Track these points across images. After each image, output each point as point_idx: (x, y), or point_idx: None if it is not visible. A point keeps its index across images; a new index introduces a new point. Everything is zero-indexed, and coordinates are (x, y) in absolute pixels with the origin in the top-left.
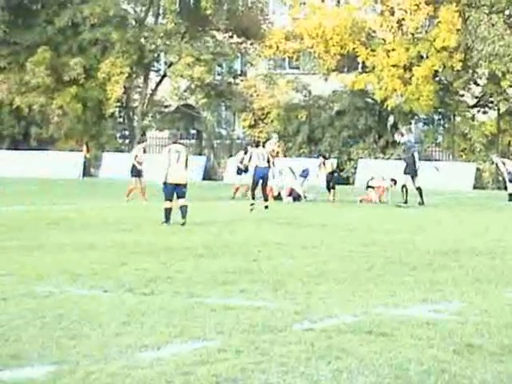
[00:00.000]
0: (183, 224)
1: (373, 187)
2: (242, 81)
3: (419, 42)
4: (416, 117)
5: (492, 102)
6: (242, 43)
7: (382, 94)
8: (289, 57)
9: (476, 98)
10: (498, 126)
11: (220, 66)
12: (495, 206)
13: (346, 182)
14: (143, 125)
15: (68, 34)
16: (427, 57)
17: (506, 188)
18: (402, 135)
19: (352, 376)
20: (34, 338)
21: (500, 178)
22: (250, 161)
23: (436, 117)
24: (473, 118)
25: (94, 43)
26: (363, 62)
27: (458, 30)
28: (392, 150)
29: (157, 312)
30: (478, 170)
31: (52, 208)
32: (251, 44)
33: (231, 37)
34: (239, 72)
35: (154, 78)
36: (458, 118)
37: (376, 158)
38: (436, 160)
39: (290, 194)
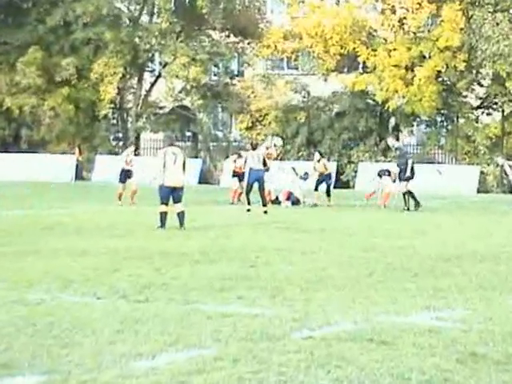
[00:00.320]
0: (184, 229)
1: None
2: (238, 81)
3: (421, 42)
4: (418, 118)
5: (496, 104)
6: (239, 43)
7: (383, 95)
8: (287, 57)
9: (480, 99)
10: (503, 128)
11: (216, 66)
12: (499, 211)
13: (346, 185)
14: (137, 127)
15: (60, 34)
16: (430, 57)
17: (511, 192)
18: (398, 139)
19: None
20: (25, 347)
21: (505, 182)
22: (245, 164)
23: (439, 118)
24: (477, 120)
25: (86, 43)
26: (364, 62)
27: (461, 29)
28: (393, 152)
29: (151, 319)
30: (481, 173)
31: (44, 212)
32: (248, 43)
33: (228, 36)
34: (236, 72)
35: (148, 78)
36: (462, 120)
37: (377, 161)
38: (439, 163)
39: (288, 198)
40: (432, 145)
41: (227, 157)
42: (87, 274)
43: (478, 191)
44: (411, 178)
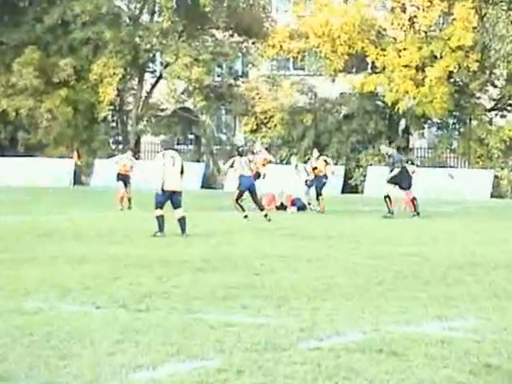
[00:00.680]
0: (186, 236)
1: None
2: (243, 82)
3: (432, 41)
4: (429, 121)
5: (511, 105)
6: (243, 42)
7: (393, 97)
8: (293, 57)
9: (493, 100)
10: None
11: (220, 66)
12: None
13: (355, 190)
14: (138, 129)
15: (58, 33)
16: (441, 57)
17: None
18: (390, 144)
19: None
20: (22, 358)
21: None
22: (231, 168)
23: (451, 121)
24: (490, 122)
25: (85, 43)
26: (373, 63)
27: (474, 27)
28: (404, 156)
29: (152, 329)
30: (495, 177)
31: (42, 218)
32: (253, 43)
33: (232, 36)
34: (240, 73)
35: (149, 79)
36: (475, 122)
37: (386, 164)
38: (451, 167)
39: (293, 204)
40: (444, 148)
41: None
42: (86, 283)
43: (492, 196)
44: (409, 186)
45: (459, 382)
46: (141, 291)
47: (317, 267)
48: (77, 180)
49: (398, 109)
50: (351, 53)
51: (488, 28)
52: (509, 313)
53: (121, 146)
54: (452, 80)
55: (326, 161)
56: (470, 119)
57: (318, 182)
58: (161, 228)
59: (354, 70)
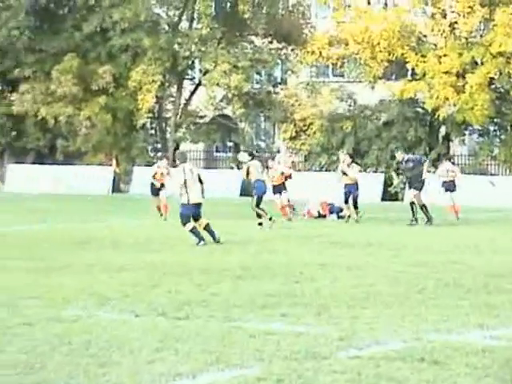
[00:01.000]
0: (218, 242)
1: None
2: (282, 89)
3: (473, 47)
4: (470, 127)
5: None
6: (282, 49)
7: (433, 103)
8: (332, 63)
9: None
10: None
11: (259, 73)
12: None
13: (394, 198)
14: (177, 137)
15: (96, 41)
16: (482, 63)
17: None
18: (430, 150)
19: None
20: (61, 366)
21: None
22: (247, 175)
23: (492, 127)
24: None
25: (124, 50)
26: (413, 69)
27: None
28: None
29: (192, 337)
30: None
31: (80, 226)
32: (292, 50)
33: (271, 42)
34: (279, 80)
35: (188, 86)
36: None
37: (427, 171)
38: (492, 174)
39: (331, 211)
40: (485, 155)
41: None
42: (125, 291)
43: None
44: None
45: None
46: (180, 299)
47: (356, 275)
48: (115, 187)
49: (439, 115)
50: (391, 59)
51: None
52: None
53: (159, 154)
54: (493, 86)
55: (360, 170)
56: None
57: (354, 189)
58: (200, 237)
59: (393, 77)
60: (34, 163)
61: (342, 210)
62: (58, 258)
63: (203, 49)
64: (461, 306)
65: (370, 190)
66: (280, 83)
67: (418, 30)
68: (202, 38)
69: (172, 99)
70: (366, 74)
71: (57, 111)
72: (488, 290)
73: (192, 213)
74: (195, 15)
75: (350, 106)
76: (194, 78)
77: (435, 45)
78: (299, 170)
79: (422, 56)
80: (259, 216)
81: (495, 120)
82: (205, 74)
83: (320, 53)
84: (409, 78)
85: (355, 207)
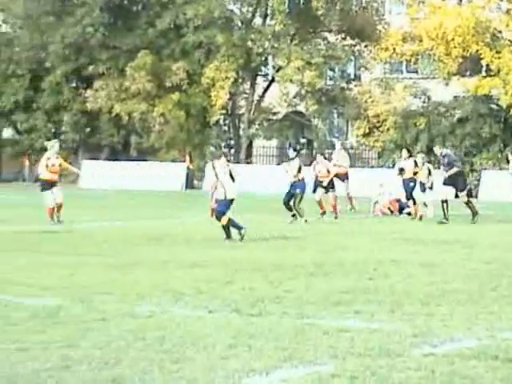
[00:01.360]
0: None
1: None
2: (355, 86)
3: None
4: None
5: None
6: (355, 45)
7: (509, 100)
8: (406, 60)
9: None
10: None
11: (332, 70)
12: None
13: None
14: (250, 133)
15: (170, 37)
16: None
17: None
18: (505, 147)
19: None
20: (135, 361)
21: None
22: (299, 172)
23: None
24: None
25: (197, 46)
26: (487, 65)
27: None
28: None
29: (265, 334)
30: None
31: (154, 223)
32: (365, 46)
33: (344, 38)
34: (353, 76)
35: (261, 83)
36: None
37: (501, 168)
38: None
39: (401, 208)
40: None
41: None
42: (199, 287)
43: None
44: (464, 188)
45: None
46: (253, 296)
47: (430, 272)
48: (189, 184)
49: None
50: (465, 55)
51: None
52: None
53: (233, 150)
54: None
55: (428, 169)
56: None
57: (405, 186)
58: (239, 227)
59: (468, 73)
60: (107, 159)
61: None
62: (132, 254)
63: (276, 45)
64: None
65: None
66: (353, 79)
67: (492, 26)
68: (276, 34)
69: (245, 96)
70: (440, 71)
71: (130, 108)
72: None
73: (228, 208)
74: (269, 11)
75: (423, 102)
76: (267, 74)
77: (510, 41)
78: (351, 167)
79: (497, 52)
80: (302, 214)
81: None
82: (278, 71)
83: (394, 49)
84: (483, 74)
85: (414, 203)
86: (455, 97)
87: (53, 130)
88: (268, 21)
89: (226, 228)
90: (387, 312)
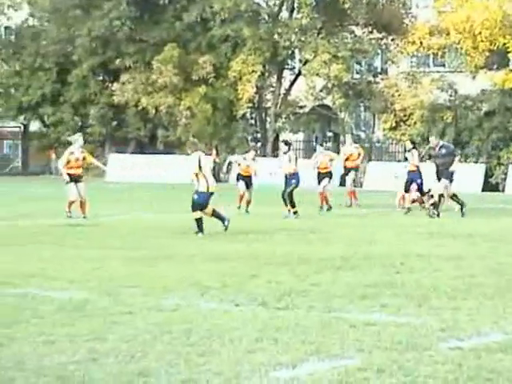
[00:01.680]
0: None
1: None
2: (382, 79)
3: None
4: None
5: None
6: (382, 39)
7: None
8: (433, 53)
9: None
10: None
11: (359, 63)
12: None
13: (496, 188)
14: (276, 127)
15: (197, 31)
16: None
17: None
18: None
19: None
20: (162, 354)
21: None
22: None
23: None
24: None
25: (224, 40)
26: None
27: None
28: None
29: (291, 328)
30: None
31: (180, 216)
32: (392, 40)
33: (371, 32)
34: (379, 70)
35: (288, 76)
36: None
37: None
38: None
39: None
40: None
41: (370, 160)
42: (225, 280)
43: None
44: (447, 178)
45: None
46: (280, 289)
47: (457, 266)
48: (215, 177)
49: None
50: (492, 49)
51: None
52: None
53: (259, 144)
54: None
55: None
56: None
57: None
58: (202, 229)
59: (495, 67)
60: (134, 153)
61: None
62: (157, 248)
63: (303, 39)
64: None
65: (470, 181)
66: (380, 73)
67: None
68: (302, 27)
69: (272, 89)
70: (467, 64)
71: (157, 101)
72: None
73: (207, 201)
74: (295, 5)
75: (450, 96)
76: (293, 67)
77: None
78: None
79: None
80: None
81: None
82: (305, 64)
83: (421, 42)
84: (510, 67)
85: (422, 194)
86: (482, 90)
87: (79, 124)
88: (295, 14)
89: (199, 222)
90: (414, 306)
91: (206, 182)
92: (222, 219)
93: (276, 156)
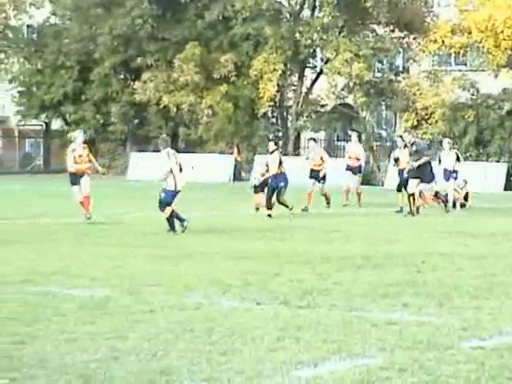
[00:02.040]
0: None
1: None
2: (404, 78)
3: None
4: None
5: None
6: (404, 37)
7: None
8: (455, 52)
9: None
10: None
11: (380, 62)
12: None
13: None
14: (298, 125)
15: (218, 29)
16: None
17: None
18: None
19: None
20: (183, 353)
21: None
22: (280, 165)
23: None
24: None
25: (245, 38)
26: None
27: None
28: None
29: (313, 326)
30: None
31: (201, 214)
32: (414, 38)
33: (392, 31)
34: (401, 69)
35: (309, 75)
36: None
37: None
38: None
39: (444, 200)
40: None
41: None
42: (247, 279)
43: None
44: (431, 180)
45: None
46: (301, 288)
47: (479, 265)
48: (237, 176)
49: None
50: None
51: None
52: None
53: (281, 142)
54: None
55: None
56: None
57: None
58: (173, 227)
59: None
60: (155, 151)
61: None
62: (179, 246)
63: (325, 37)
64: None
65: (492, 180)
66: (402, 72)
67: None
68: (324, 26)
69: (293, 88)
70: (489, 63)
71: (179, 99)
72: None
73: (173, 199)
74: (317, 3)
75: (472, 94)
76: (315, 66)
77: None
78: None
79: None
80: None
81: None
82: (326, 63)
83: (442, 41)
84: None
85: (436, 196)
86: (504, 89)
87: (101, 122)
88: (316, 13)
89: (170, 220)
90: (435, 305)
91: (173, 180)
92: (180, 220)
93: (297, 155)
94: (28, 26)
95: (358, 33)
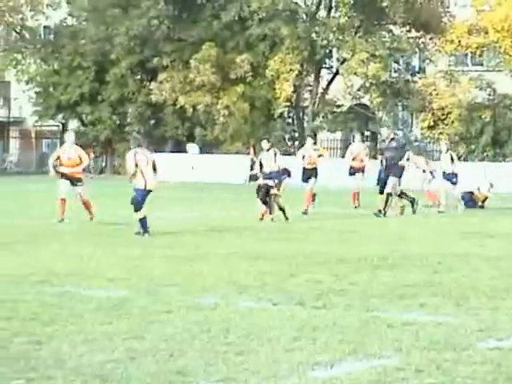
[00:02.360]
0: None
1: None
2: (420, 78)
3: None
4: None
5: None
6: (420, 38)
7: None
8: (471, 52)
9: None
10: None
11: (397, 62)
12: None
13: None
14: (314, 126)
15: (235, 30)
16: None
17: None
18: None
19: None
20: (200, 353)
21: None
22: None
23: None
24: None
25: (262, 39)
26: None
27: None
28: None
29: (329, 327)
30: None
31: (217, 214)
32: (430, 39)
33: (409, 31)
34: (417, 69)
35: (325, 75)
36: None
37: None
38: None
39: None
40: None
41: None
42: (263, 279)
43: None
44: (399, 176)
45: None
46: (318, 288)
47: (496, 266)
48: (253, 176)
49: None
50: None
51: None
52: None
53: (297, 143)
54: None
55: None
56: None
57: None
58: (146, 228)
59: None
60: (172, 152)
61: (475, 202)
62: (195, 246)
63: (341, 37)
64: None
65: (508, 180)
66: (418, 72)
67: None
68: (340, 26)
69: (309, 88)
70: (506, 63)
71: (195, 100)
72: None
73: (144, 198)
74: (333, 4)
75: (489, 95)
76: (331, 66)
77: None
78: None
79: None
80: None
81: None
82: (342, 63)
83: (459, 41)
84: None
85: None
86: None
87: (117, 122)
88: (332, 13)
89: (143, 221)
90: (452, 305)
91: (143, 179)
92: (144, 228)
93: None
94: (45, 27)
95: (374, 33)
